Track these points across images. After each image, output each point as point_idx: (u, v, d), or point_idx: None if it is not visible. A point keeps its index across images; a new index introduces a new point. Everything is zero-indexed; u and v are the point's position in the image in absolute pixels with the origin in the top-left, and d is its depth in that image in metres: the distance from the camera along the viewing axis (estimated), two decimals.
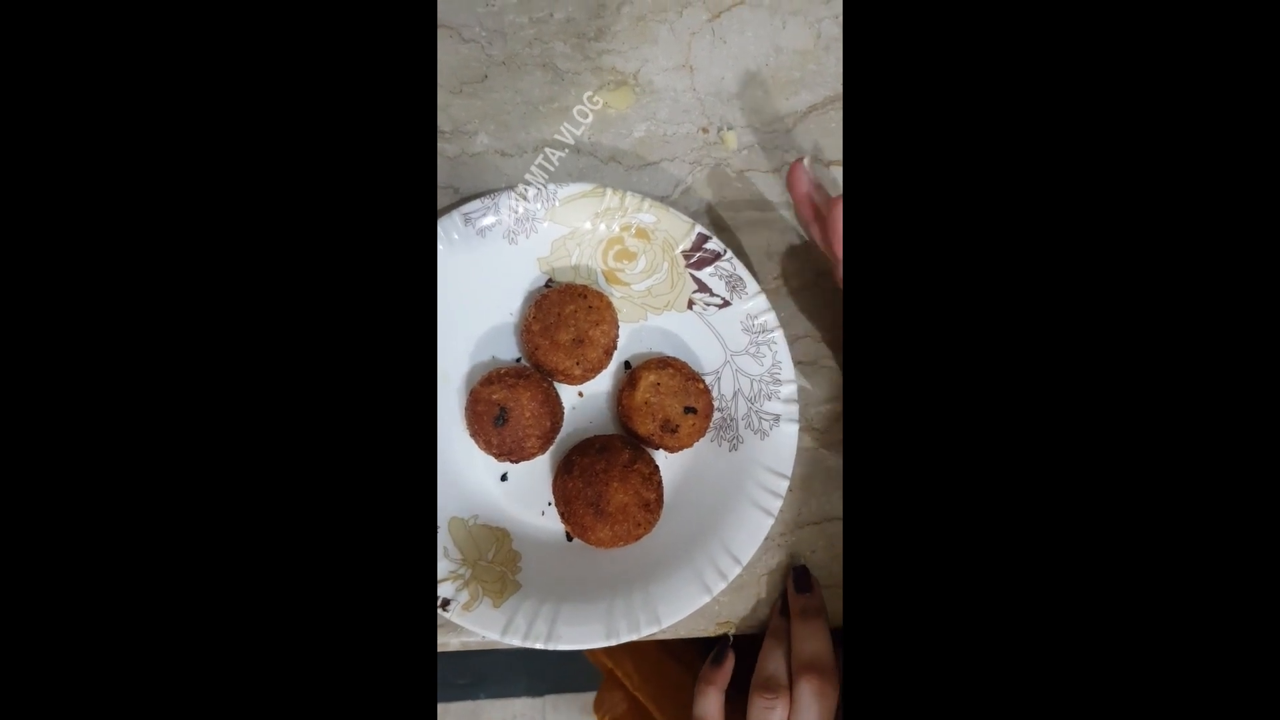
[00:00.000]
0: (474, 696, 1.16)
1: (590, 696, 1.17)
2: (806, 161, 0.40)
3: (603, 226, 0.43)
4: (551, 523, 0.43)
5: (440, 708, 1.16)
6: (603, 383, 0.45)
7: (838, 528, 0.46)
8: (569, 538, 0.43)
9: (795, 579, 0.44)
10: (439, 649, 0.42)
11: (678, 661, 0.58)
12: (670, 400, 0.42)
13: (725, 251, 0.43)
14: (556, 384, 0.43)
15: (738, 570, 0.41)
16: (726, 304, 0.44)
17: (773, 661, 0.41)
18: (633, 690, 0.59)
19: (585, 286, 0.42)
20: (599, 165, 0.47)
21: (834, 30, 0.49)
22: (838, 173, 0.48)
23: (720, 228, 0.47)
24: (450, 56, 0.46)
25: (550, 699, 1.17)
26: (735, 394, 0.44)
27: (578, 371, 0.41)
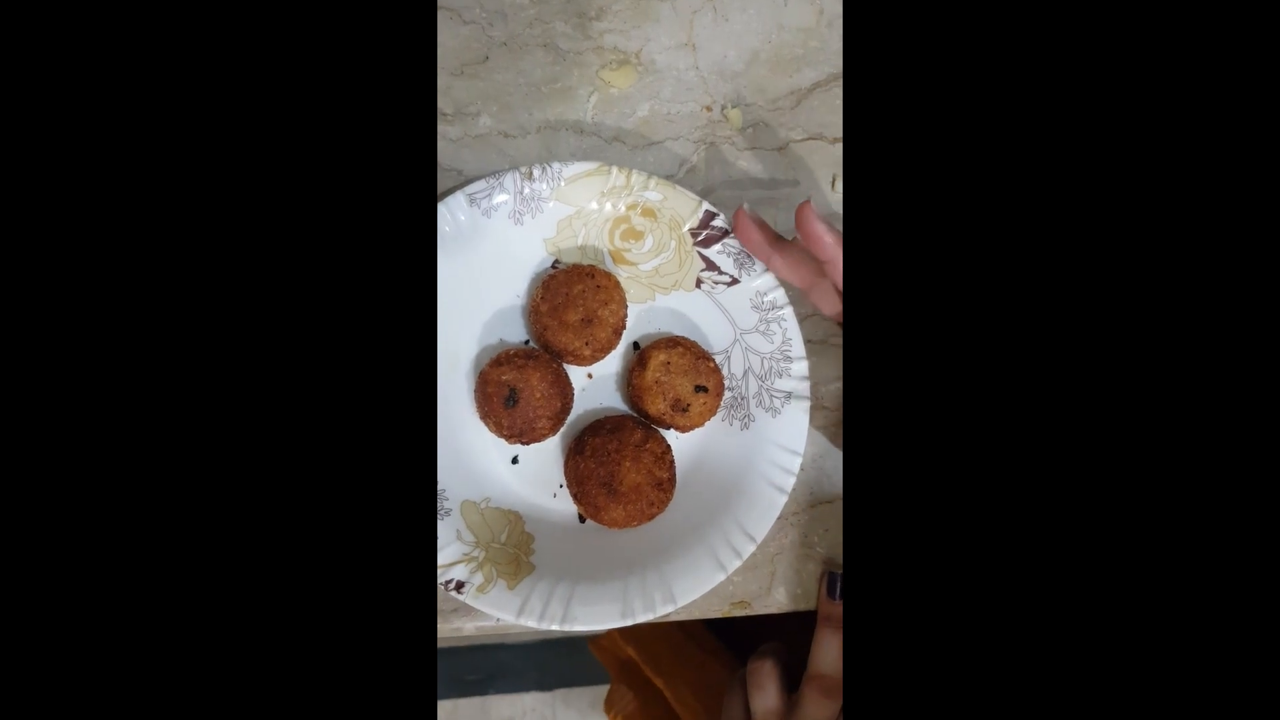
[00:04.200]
0: (484, 692, 1.16)
1: (600, 691, 1.17)
2: (746, 207, 0.41)
3: (609, 206, 0.43)
4: (564, 504, 0.43)
5: (450, 704, 1.15)
6: (612, 363, 0.44)
7: None
8: (582, 519, 0.43)
9: (829, 584, 0.43)
10: (454, 635, 0.42)
11: (697, 644, 0.58)
12: (680, 379, 0.41)
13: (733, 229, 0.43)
14: (566, 365, 0.43)
15: (752, 548, 0.41)
16: (735, 281, 0.43)
17: (831, 653, 0.41)
18: (652, 675, 0.59)
19: (593, 266, 0.42)
20: (603, 145, 0.46)
21: (836, 7, 0.49)
22: (840, 150, 0.48)
23: (726, 206, 0.47)
24: (451, 38, 0.46)
25: (560, 693, 1.17)
26: (746, 372, 0.44)
27: (587, 352, 0.41)
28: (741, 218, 0.41)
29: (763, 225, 0.41)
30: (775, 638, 0.47)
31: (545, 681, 1.17)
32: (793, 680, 0.42)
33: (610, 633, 0.67)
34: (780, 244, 0.41)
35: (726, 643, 0.59)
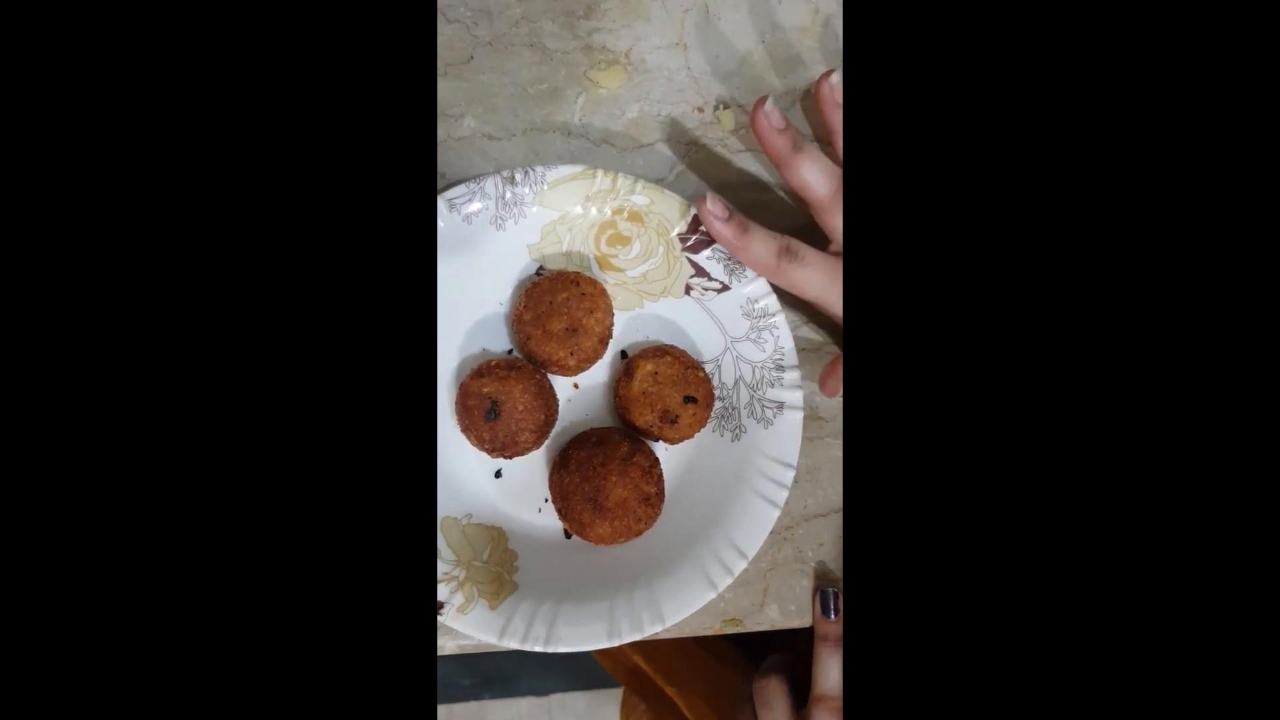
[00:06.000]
0: (479, 697, 1.15)
1: (595, 696, 1.16)
2: (769, 103, 0.39)
3: (594, 210, 0.42)
4: (549, 520, 0.41)
5: (445, 709, 1.14)
6: (599, 373, 0.43)
7: None
8: (567, 535, 0.41)
9: (823, 603, 0.42)
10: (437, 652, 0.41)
11: (709, 651, 0.57)
12: (669, 390, 0.40)
13: None
14: (550, 375, 0.41)
15: (744, 565, 0.39)
16: (725, 288, 0.42)
17: (835, 673, 0.40)
18: (663, 684, 0.58)
19: (578, 273, 0.40)
20: (591, 148, 0.45)
21: (832, 6, 0.48)
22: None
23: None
24: None
25: (556, 698, 1.16)
26: (737, 382, 0.42)
27: (572, 362, 0.40)
28: (762, 116, 0.39)
29: (787, 128, 0.39)
30: (786, 644, 0.45)
31: (540, 687, 1.16)
32: (800, 693, 0.41)
33: None
34: (803, 147, 0.39)
35: (740, 647, 0.58)
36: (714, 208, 0.39)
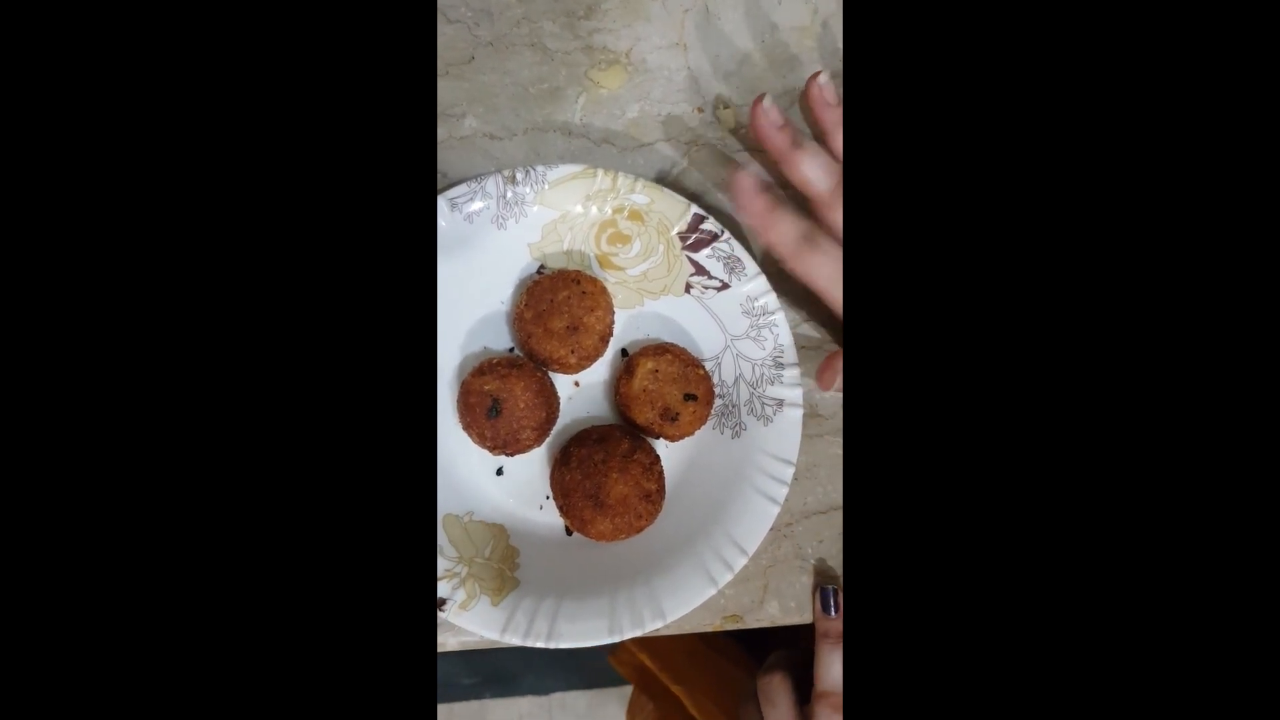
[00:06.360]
0: (480, 696, 1.15)
1: (597, 694, 1.17)
2: (767, 100, 0.40)
3: (594, 209, 0.42)
4: (550, 517, 0.42)
5: (446, 708, 1.15)
6: (599, 371, 0.43)
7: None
8: (568, 532, 0.42)
9: (823, 600, 0.43)
10: (437, 649, 0.41)
11: (715, 649, 0.57)
12: (669, 387, 0.40)
13: (723, 232, 0.42)
14: (552, 374, 0.42)
15: (744, 561, 0.39)
16: (725, 286, 0.42)
17: (836, 670, 0.40)
18: (670, 683, 0.58)
19: (578, 272, 0.41)
20: (591, 147, 0.45)
21: (830, 6, 0.48)
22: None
23: (717, 209, 0.46)
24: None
25: (557, 697, 1.17)
26: (737, 379, 0.42)
27: (573, 360, 0.40)
28: (761, 113, 0.40)
29: (785, 124, 0.40)
30: (790, 641, 0.46)
31: (541, 686, 1.17)
32: (804, 689, 0.41)
33: (626, 641, 0.67)
34: (802, 143, 0.40)
35: (743, 644, 0.58)
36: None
